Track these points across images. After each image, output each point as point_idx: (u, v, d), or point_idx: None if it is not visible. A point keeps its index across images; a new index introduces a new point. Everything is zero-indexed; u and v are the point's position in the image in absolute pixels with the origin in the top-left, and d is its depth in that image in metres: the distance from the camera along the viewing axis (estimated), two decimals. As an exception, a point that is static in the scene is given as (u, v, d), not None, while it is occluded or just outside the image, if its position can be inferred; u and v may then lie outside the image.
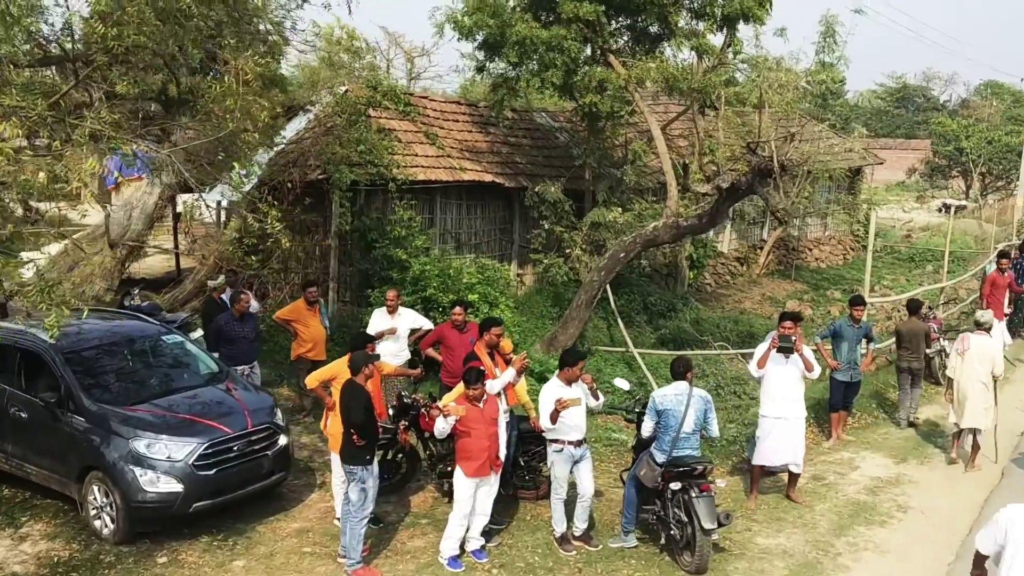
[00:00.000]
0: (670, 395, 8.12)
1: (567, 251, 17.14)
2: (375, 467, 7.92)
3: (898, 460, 11.15)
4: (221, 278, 12.86)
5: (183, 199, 18.55)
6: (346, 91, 16.75)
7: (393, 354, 10.86)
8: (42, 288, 7.31)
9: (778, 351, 9.22)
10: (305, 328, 11.49)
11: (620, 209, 16.87)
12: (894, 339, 13.27)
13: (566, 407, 8.04)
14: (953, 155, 47.83)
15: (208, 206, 19.56)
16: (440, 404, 8.09)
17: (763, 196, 14.24)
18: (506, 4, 15.21)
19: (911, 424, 12.40)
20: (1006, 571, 5.20)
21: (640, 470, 8.20)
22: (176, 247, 21.24)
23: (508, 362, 8.83)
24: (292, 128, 16.70)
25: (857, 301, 11.89)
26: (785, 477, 9.90)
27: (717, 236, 24.91)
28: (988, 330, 11.22)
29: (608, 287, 16.96)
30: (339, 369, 8.26)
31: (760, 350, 9.43)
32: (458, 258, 17.48)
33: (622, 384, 9.04)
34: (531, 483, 9.51)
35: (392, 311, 11.12)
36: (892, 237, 32.36)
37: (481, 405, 7.80)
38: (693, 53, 16.54)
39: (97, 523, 8.35)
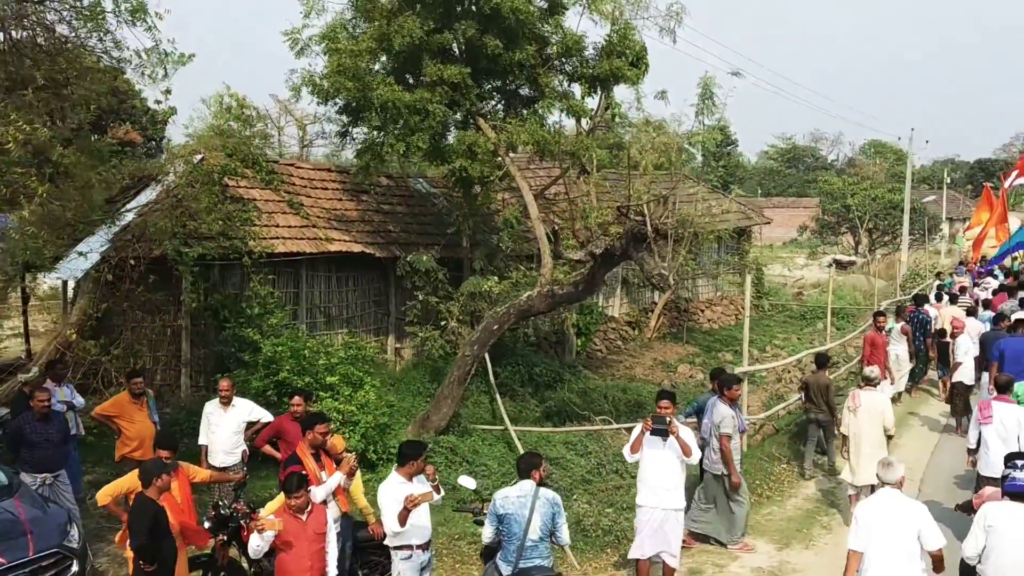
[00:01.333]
0: (512, 497, 7.16)
1: (443, 323, 16.21)
2: None
3: (781, 545, 10.37)
4: (34, 370, 11.47)
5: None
6: (201, 159, 15.65)
7: (227, 451, 9.69)
8: None
9: (652, 434, 8.37)
10: (130, 424, 10.21)
11: (497, 278, 16.07)
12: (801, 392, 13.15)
13: (417, 504, 7.04)
14: (841, 212, 49.07)
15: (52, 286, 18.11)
16: (260, 514, 6.97)
17: (638, 261, 13.61)
18: (366, 67, 14.42)
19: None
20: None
21: None
22: (26, 329, 19.55)
23: (338, 463, 7.75)
24: (142, 199, 15.47)
25: (720, 375, 11.13)
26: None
27: (607, 300, 24.40)
28: (875, 385, 11.28)
29: (488, 359, 16.10)
30: (133, 482, 7.09)
31: (634, 434, 8.59)
32: (327, 335, 16.43)
33: (467, 483, 8.01)
34: (374, 597, 8.41)
35: (226, 403, 9.96)
36: (783, 296, 32.51)
37: (304, 517, 6.72)
38: (566, 115, 16.03)
39: None
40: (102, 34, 10.80)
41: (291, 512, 6.68)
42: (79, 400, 11.07)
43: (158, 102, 37.64)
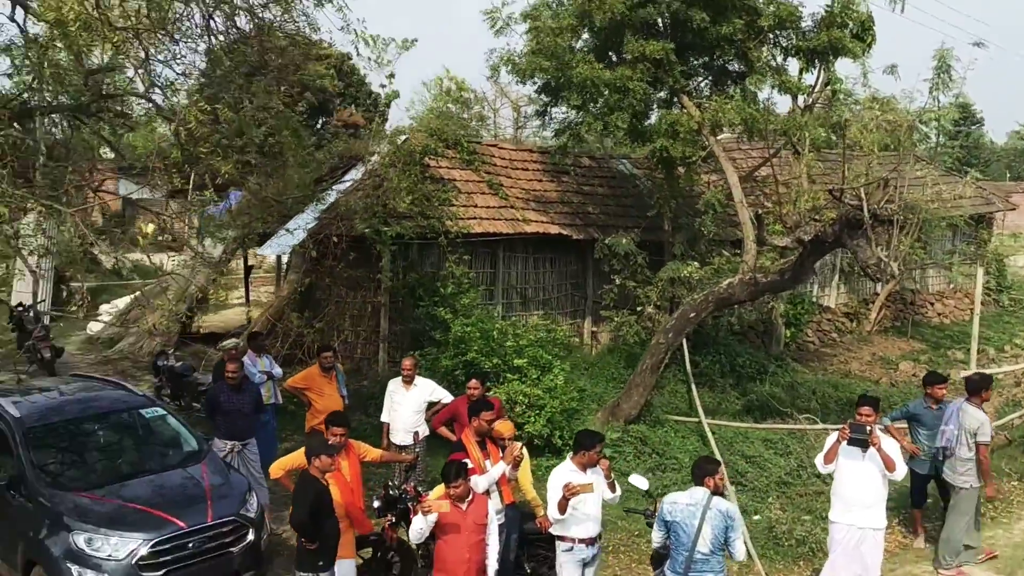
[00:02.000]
0: (681, 504, 6.59)
1: (639, 308, 15.70)
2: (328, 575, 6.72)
3: (1004, 574, 9.11)
4: (233, 340, 12.00)
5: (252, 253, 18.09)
6: (405, 140, 15.93)
7: (407, 429, 9.69)
8: None
9: (849, 443, 7.54)
10: (319, 397, 10.46)
11: (697, 263, 15.34)
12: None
13: (575, 494, 6.68)
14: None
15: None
16: (427, 497, 6.81)
17: (852, 250, 12.48)
18: (567, 45, 14.06)
19: None
20: None
21: None
22: (247, 300, 20.83)
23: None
24: (348, 180, 15.94)
25: (934, 379, 9.97)
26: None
27: (822, 290, 22.90)
28: None
29: (686, 346, 15.44)
30: (302, 457, 7.14)
31: (829, 441, 7.76)
32: (522, 316, 16.32)
33: (638, 482, 7.47)
34: (539, 591, 8.10)
35: (408, 382, 9.97)
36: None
37: (464, 506, 6.50)
38: (779, 92, 14.98)
39: (43, 625, 7.45)
40: (295, 16, 11.01)
41: (451, 501, 6.48)
42: (278, 371, 11.48)
43: (382, 86, 38.97)
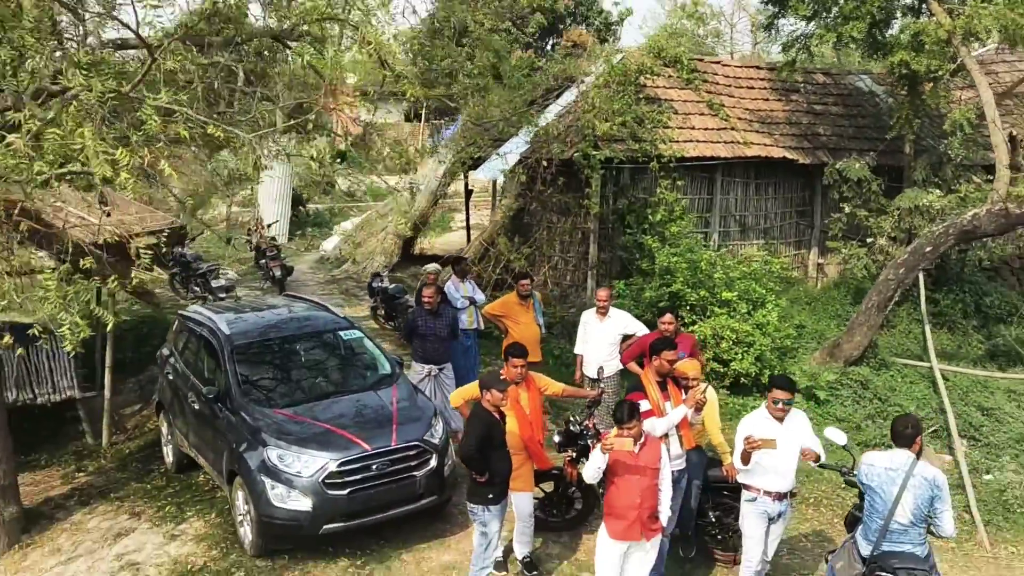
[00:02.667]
0: (879, 467, 5.83)
1: (870, 240, 14.40)
2: (499, 509, 6.58)
3: None
4: (434, 265, 12.09)
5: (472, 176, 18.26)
6: (621, 58, 15.29)
7: (600, 362, 9.38)
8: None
9: None
10: (515, 325, 10.34)
11: (939, 191, 13.79)
12: None
13: (756, 448, 6.14)
14: None
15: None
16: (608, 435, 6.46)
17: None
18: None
19: None
20: None
21: (837, 561, 6.06)
22: (468, 224, 21.20)
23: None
24: (562, 101, 15.58)
25: None
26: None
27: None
28: None
29: (922, 283, 14.03)
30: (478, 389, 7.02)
31: None
32: (741, 245, 15.49)
33: (835, 436, 6.66)
34: (725, 543, 7.59)
35: (602, 313, 9.61)
36: None
37: (637, 449, 6.13)
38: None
39: (241, 531, 7.89)
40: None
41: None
42: (480, 296, 11.48)
43: (615, 3, 37.88)
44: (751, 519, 6.52)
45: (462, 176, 18.89)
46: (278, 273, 15.79)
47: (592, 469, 6.16)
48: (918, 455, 5.82)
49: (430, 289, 9.90)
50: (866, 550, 5.79)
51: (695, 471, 7.20)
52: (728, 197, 15.53)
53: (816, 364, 12.44)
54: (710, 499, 7.48)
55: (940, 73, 12.88)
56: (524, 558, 7.47)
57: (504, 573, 7.44)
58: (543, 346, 11.08)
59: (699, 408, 6.75)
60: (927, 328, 13.20)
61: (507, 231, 16.12)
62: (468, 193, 21.03)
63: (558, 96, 15.95)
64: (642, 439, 6.16)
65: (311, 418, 7.84)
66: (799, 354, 12.92)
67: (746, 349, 11.49)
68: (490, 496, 6.50)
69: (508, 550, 7.62)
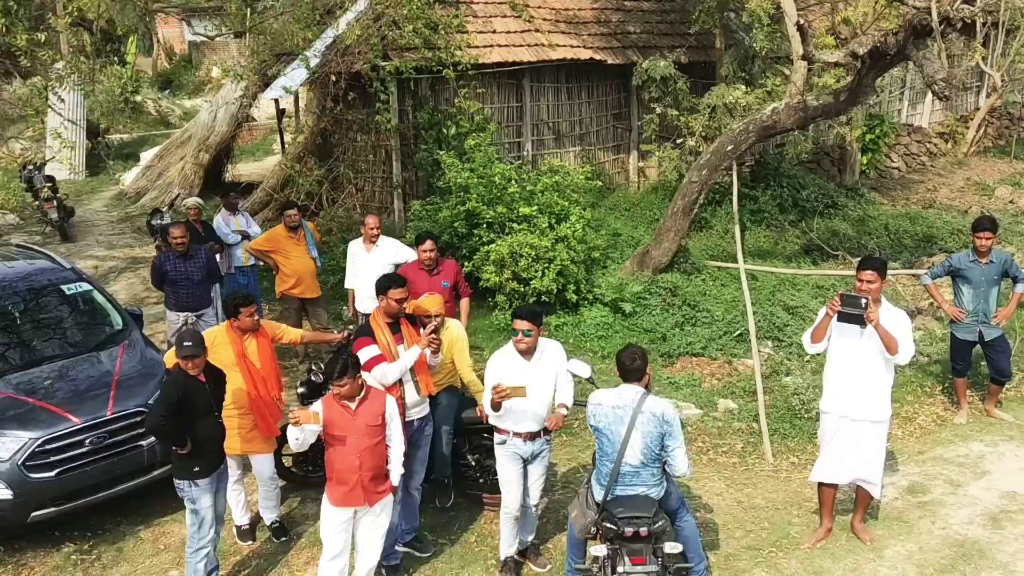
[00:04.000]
0: (606, 407, 5.30)
1: (680, 141, 13.98)
2: (210, 482, 5.75)
3: None
4: (194, 199, 10.98)
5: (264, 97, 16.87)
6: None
7: (372, 296, 8.56)
8: None
9: (840, 319, 5.89)
10: (287, 260, 9.42)
11: (744, 86, 13.40)
12: None
13: (506, 397, 5.50)
14: None
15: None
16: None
17: (917, 63, 10.43)
18: None
19: None
20: None
21: (573, 509, 5.57)
22: (283, 147, 19.86)
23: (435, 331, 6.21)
24: (359, 7, 14.37)
25: (982, 225, 8.06)
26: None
27: (914, 108, 20.42)
28: None
29: (735, 181, 13.72)
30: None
31: (819, 316, 6.17)
32: (557, 153, 14.83)
33: (578, 369, 6.02)
34: (492, 486, 7.01)
35: (371, 241, 8.80)
36: None
37: (354, 405, 5.40)
38: None
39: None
40: None
41: (337, 400, 5.39)
42: (256, 229, 10.49)
43: None
44: (503, 462, 5.94)
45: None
46: (55, 215, 14.27)
47: (293, 441, 5.40)
48: (647, 388, 5.29)
49: (178, 229, 8.82)
50: (600, 495, 5.27)
51: (444, 416, 6.55)
52: (539, 104, 14.79)
53: (626, 274, 12.01)
54: (466, 442, 6.87)
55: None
56: (272, 523, 6.75)
57: (250, 542, 6.71)
58: (321, 279, 10.23)
59: (436, 349, 6.05)
60: (737, 228, 12.89)
61: (311, 153, 15.04)
62: (280, 113, 19.65)
63: (354, 3, 14.73)
64: (362, 393, 5.44)
65: (13, 391, 6.79)
66: (613, 264, 12.47)
67: (547, 265, 10.90)
68: (196, 469, 5.67)
69: (257, 518, 6.89)
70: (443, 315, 6.40)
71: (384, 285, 6.05)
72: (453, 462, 6.87)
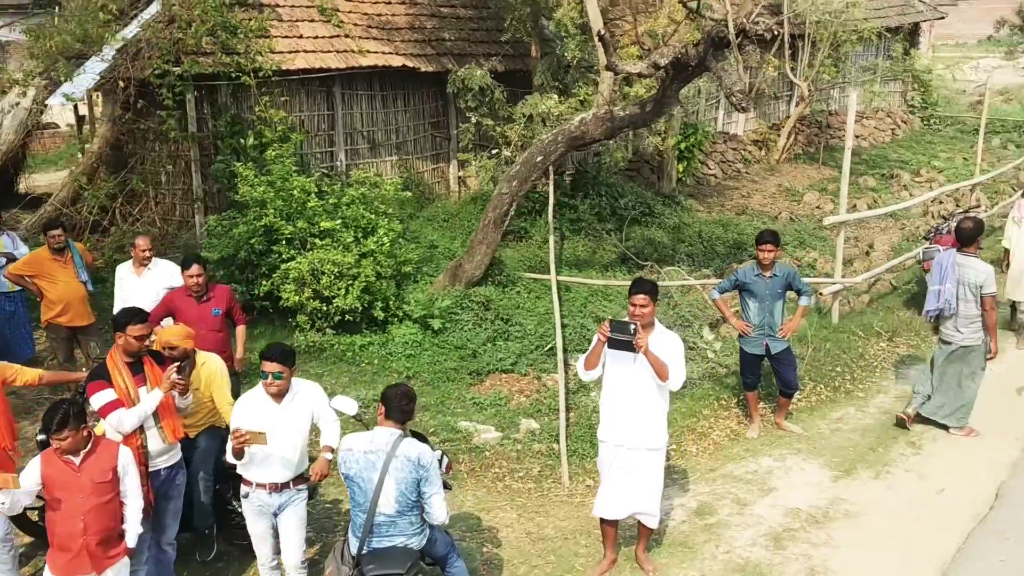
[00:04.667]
0: (357, 452, 4.87)
1: (495, 151, 13.77)
2: None
3: (840, 473, 7.54)
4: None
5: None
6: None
7: (146, 324, 7.86)
8: None
9: (609, 346, 5.63)
10: (52, 285, 8.54)
11: (557, 96, 13.31)
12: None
13: (245, 443, 4.99)
14: (1047, 2, 41.56)
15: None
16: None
17: (717, 74, 10.53)
18: None
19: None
20: None
21: (328, 565, 5.14)
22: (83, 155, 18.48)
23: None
24: (148, 13, 13.44)
25: (765, 238, 8.09)
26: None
27: (729, 116, 21.00)
28: None
29: (551, 191, 13.61)
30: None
31: (594, 342, 5.88)
32: (372, 163, 14.34)
33: (343, 406, 5.55)
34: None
35: (141, 264, 8.09)
36: (955, 106, 27.66)
37: (79, 460, 4.77)
38: None
39: None
40: None
41: (59, 455, 4.76)
42: (23, 250, 9.54)
43: None
44: (249, 516, 5.43)
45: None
46: None
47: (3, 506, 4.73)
48: (405, 431, 4.92)
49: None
50: (355, 548, 4.85)
51: (203, 460, 5.97)
52: (352, 112, 14.26)
53: (439, 289, 11.65)
54: (231, 487, 6.29)
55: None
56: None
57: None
58: (100, 305, 9.38)
59: (184, 390, 5.47)
60: (551, 239, 12.77)
61: (105, 164, 13.97)
62: (79, 121, 18.30)
63: (147, 6, 13.78)
64: (88, 446, 4.82)
65: None
66: (429, 278, 12.10)
67: (351, 282, 10.41)
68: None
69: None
70: (191, 348, 5.81)
71: (122, 321, 5.41)
72: (218, 509, 6.28)
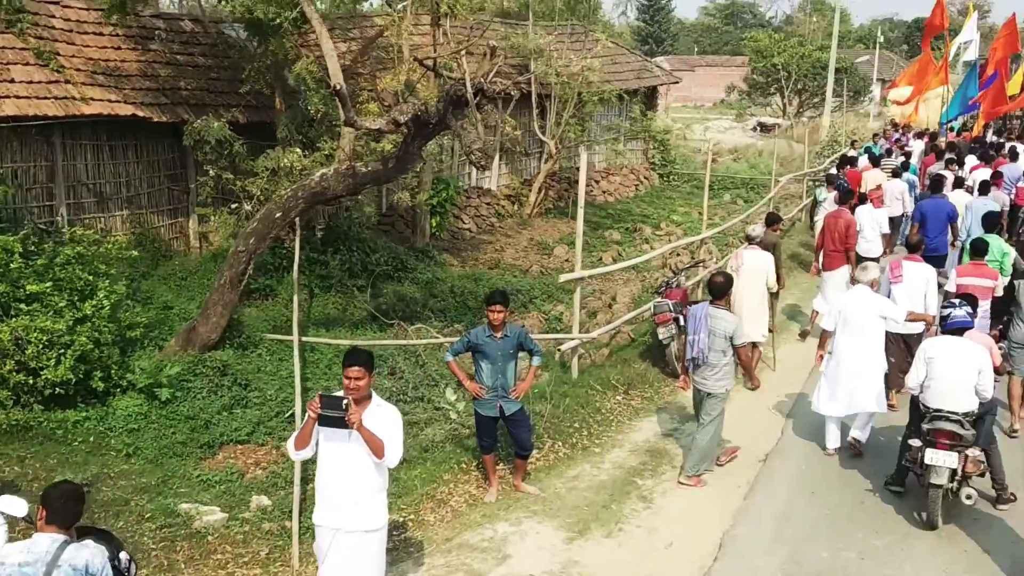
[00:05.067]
0: (10, 565, 4.10)
1: (234, 206, 13.13)
2: None
3: (574, 534, 7.49)
4: None
5: None
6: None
7: None
8: None
9: (320, 423, 5.28)
10: None
11: (300, 150, 12.91)
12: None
13: None
14: (769, 71, 46.01)
15: None
16: None
17: (457, 132, 10.56)
18: None
19: None
20: None
21: None
22: None
23: None
24: None
25: (495, 299, 8.04)
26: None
27: (483, 172, 21.35)
28: (760, 244, 11.43)
29: (297, 248, 13.12)
30: None
31: (306, 419, 5.47)
32: (100, 218, 13.26)
33: (10, 507, 4.58)
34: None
35: None
36: (692, 163, 29.76)
37: None
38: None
39: None
40: None
41: None
42: None
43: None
44: None
45: None
46: None
47: None
48: (72, 536, 4.33)
49: None
50: None
51: None
52: (75, 163, 13.16)
53: (171, 354, 10.82)
54: None
55: (280, 20, 11.80)
56: None
57: None
58: None
59: None
60: (295, 298, 12.29)
61: None
62: None
63: None
64: None
65: None
66: (161, 342, 11.22)
67: (63, 351, 9.41)
68: None
69: None
70: None
71: None
72: None
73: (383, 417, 5.44)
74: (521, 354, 8.18)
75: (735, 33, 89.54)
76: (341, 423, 5.18)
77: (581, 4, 22.67)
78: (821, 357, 9.30)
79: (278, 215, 11.10)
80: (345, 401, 5.19)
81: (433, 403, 10.42)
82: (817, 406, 9.33)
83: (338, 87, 9.98)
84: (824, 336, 9.32)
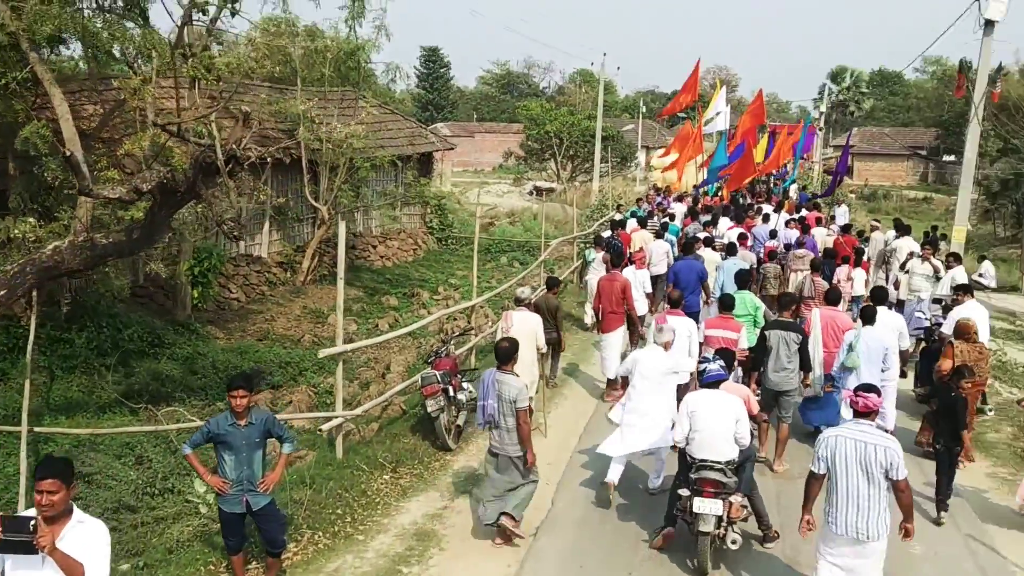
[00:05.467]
0: None
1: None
2: None
3: None
4: None
5: None
6: None
7: None
8: None
9: (2, 550, 4.49)
10: None
11: (34, 220, 11.75)
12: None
13: None
14: (542, 138, 47.67)
15: None
16: None
17: (208, 201, 9.94)
18: None
19: None
20: None
21: None
22: None
23: None
24: None
25: (237, 384, 7.40)
26: None
27: (252, 239, 20.52)
28: (528, 306, 11.72)
29: (32, 329, 11.84)
30: None
31: None
32: None
33: None
34: None
35: None
36: (469, 228, 30.07)
37: None
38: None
39: None
40: None
41: None
42: None
43: None
44: None
45: None
46: None
47: None
48: None
49: None
50: None
51: None
52: None
53: None
54: None
55: (5, 81, 10.76)
56: None
57: None
58: None
59: None
60: (27, 383, 11.05)
61: None
62: None
63: None
64: None
65: None
66: None
67: None
68: None
69: None
70: None
71: None
72: None
73: (85, 535, 4.73)
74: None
75: (511, 101, 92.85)
76: (29, 548, 4.46)
77: (353, 72, 22.46)
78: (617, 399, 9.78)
79: (2, 293, 9.96)
80: (32, 522, 4.47)
81: (184, 495, 9.56)
82: (603, 449, 9.56)
83: (68, 153, 9.14)
84: (610, 384, 9.77)
